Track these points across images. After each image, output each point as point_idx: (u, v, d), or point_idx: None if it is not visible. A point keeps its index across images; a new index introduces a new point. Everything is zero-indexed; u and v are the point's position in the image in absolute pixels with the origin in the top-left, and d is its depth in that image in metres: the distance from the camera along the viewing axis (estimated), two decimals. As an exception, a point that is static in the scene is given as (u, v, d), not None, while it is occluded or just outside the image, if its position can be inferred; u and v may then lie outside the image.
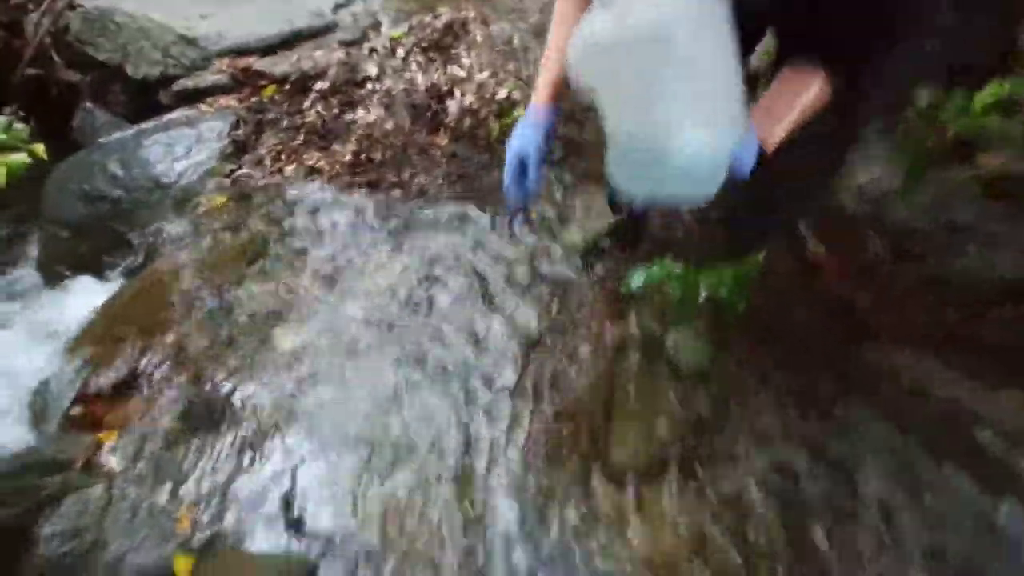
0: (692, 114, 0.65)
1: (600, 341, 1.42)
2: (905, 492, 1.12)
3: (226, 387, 1.29)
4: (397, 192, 1.79)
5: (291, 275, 1.54)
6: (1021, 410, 1.20)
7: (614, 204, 1.62)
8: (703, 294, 1.23)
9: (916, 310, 1.49)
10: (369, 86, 1.96)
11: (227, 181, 1.84)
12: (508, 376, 1.33)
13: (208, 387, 1.28)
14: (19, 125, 1.51)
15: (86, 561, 0.97)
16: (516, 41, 2.33)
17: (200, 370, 1.33)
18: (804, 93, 0.74)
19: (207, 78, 2.27)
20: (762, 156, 0.74)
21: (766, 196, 1.13)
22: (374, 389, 1.29)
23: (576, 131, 2.08)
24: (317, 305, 1.47)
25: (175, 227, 1.70)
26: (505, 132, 1.92)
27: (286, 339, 1.39)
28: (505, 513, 1.07)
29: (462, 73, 1.84)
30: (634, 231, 1.66)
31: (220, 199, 1.78)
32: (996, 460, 1.11)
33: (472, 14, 2.21)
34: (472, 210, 1.76)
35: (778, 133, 0.75)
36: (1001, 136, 1.47)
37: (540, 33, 2.74)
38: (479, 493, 1.09)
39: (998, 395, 1.25)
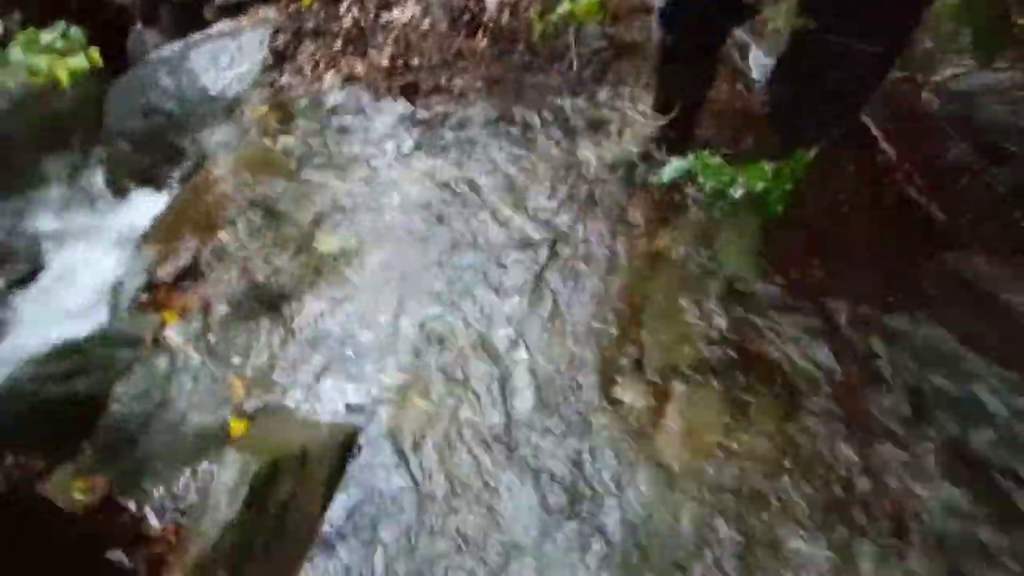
0: None
1: (639, 244, 1.37)
2: (971, 415, 1.03)
3: (273, 281, 1.36)
4: (436, 96, 1.74)
5: (333, 177, 1.57)
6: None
7: (664, 103, 1.51)
8: (739, 189, 1.12)
9: (998, 221, 1.34)
10: (405, -12, 1.88)
11: (269, 91, 1.85)
12: (535, 267, 1.31)
13: (258, 279, 1.36)
14: (75, 30, 1.56)
15: (153, 418, 1.08)
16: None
17: (249, 265, 1.40)
18: None
19: (247, -11, 2.25)
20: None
21: (819, 76, 1.01)
22: (411, 272, 1.31)
23: (623, 32, 1.93)
24: (358, 204, 1.49)
25: (223, 136, 1.75)
26: (545, 30, 1.81)
27: (329, 240, 1.43)
28: (525, 389, 1.08)
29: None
30: (684, 132, 1.55)
31: (263, 108, 1.80)
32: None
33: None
34: (514, 111, 1.70)
35: None
36: None
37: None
38: (504, 365, 1.11)
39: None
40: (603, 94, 1.74)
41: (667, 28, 1.24)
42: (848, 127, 1.26)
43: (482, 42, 1.81)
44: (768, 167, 1.12)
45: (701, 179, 1.10)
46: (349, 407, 1.08)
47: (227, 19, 2.16)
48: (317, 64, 1.87)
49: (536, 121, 1.67)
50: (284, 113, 1.78)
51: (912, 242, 1.33)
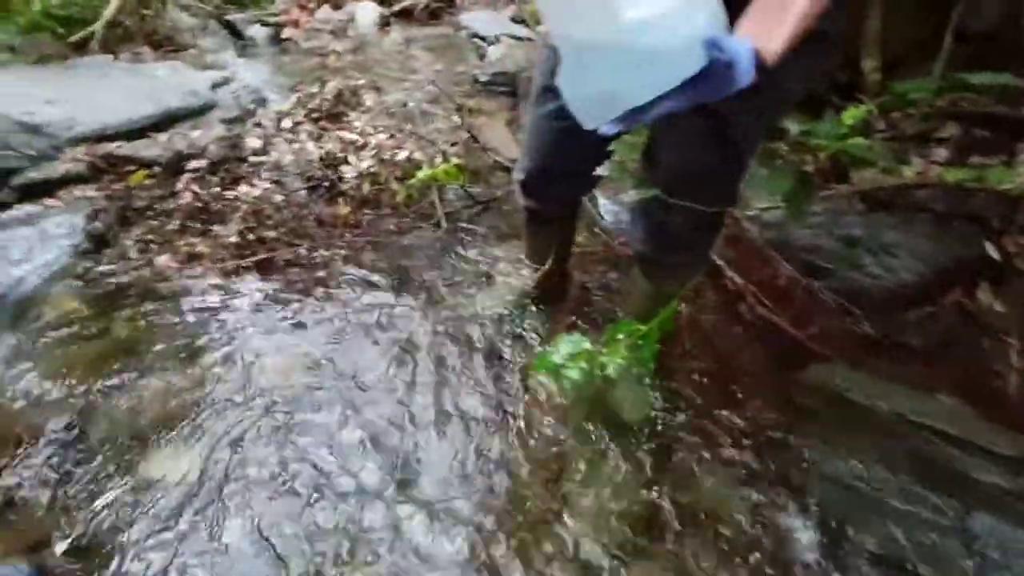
0: None
1: (539, 409, 1.29)
2: (866, 512, 1.06)
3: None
4: (295, 270, 1.59)
5: (163, 382, 1.27)
6: (956, 412, 1.22)
7: (538, 257, 1.54)
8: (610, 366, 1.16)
9: (836, 323, 1.53)
10: (255, 160, 1.79)
11: (80, 282, 1.54)
12: (441, 458, 1.15)
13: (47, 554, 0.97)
14: None
15: None
16: (411, 104, 2.29)
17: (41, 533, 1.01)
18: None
19: (58, 168, 1.97)
20: (762, 69, 0.64)
21: (668, 233, 1.10)
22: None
23: (483, 189, 2.03)
24: (196, 415, 1.20)
25: (11, 345, 1.37)
26: (410, 195, 1.82)
27: (156, 466, 1.11)
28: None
29: (357, 138, 1.74)
30: (559, 280, 1.58)
31: (71, 304, 1.47)
32: (958, 474, 1.09)
33: (363, 81, 2.14)
34: (381, 279, 1.61)
35: (777, 41, 0.65)
36: (866, 154, 1.61)
37: (435, 100, 2.74)
38: None
39: (934, 399, 1.26)
40: (474, 250, 1.75)
41: (528, 197, 1.30)
42: (703, 269, 1.37)
43: (344, 208, 1.75)
44: (635, 334, 1.17)
45: (571, 373, 1.09)
46: None
47: (30, 202, 1.84)
48: (147, 245, 1.63)
49: (411, 284, 1.59)
50: (99, 307, 1.47)
51: (780, 358, 1.44)
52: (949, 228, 1.53)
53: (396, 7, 4.69)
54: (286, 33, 3.74)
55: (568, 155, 1.14)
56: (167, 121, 2.25)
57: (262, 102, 2.54)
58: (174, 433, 1.18)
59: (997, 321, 1.41)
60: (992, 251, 1.48)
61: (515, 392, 1.32)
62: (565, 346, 1.21)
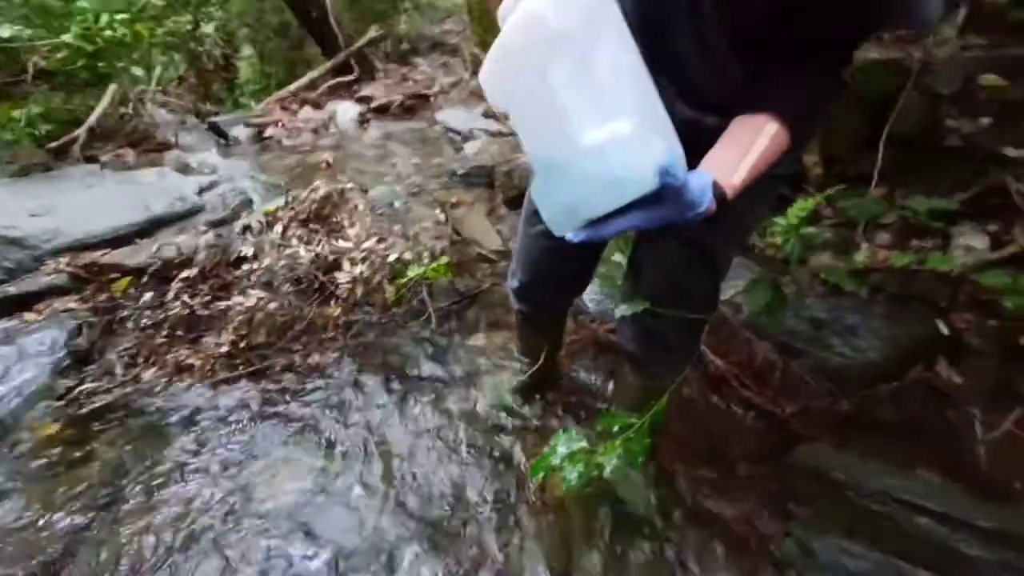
0: (591, 101, 0.61)
1: (539, 504, 1.29)
2: None
3: None
4: (289, 376, 1.59)
5: (144, 521, 1.21)
6: (935, 487, 1.28)
7: (531, 353, 1.60)
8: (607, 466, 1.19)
9: (815, 402, 1.61)
10: (245, 267, 1.83)
11: (61, 402, 1.49)
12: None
13: None
14: None
15: None
16: (397, 204, 2.41)
17: None
18: (759, 138, 0.72)
19: (38, 280, 1.96)
20: (723, 200, 0.70)
21: (657, 336, 1.18)
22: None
23: (470, 283, 2.11)
24: (194, 549, 1.15)
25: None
26: (401, 294, 1.88)
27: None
28: None
29: (348, 244, 1.81)
30: (549, 372, 1.63)
31: (50, 428, 1.42)
32: (943, 548, 1.13)
33: (349, 184, 2.26)
34: (376, 382, 1.62)
35: (738, 176, 0.71)
36: (817, 241, 1.77)
37: (417, 193, 2.89)
38: None
39: (914, 475, 1.33)
40: (465, 344, 1.80)
41: (522, 303, 1.37)
42: (689, 364, 1.45)
43: (336, 310, 1.78)
44: (627, 428, 1.21)
45: (570, 472, 1.11)
46: None
47: (7, 318, 1.81)
48: (134, 360, 1.61)
49: (406, 383, 1.61)
50: (83, 430, 1.42)
51: (767, 440, 1.50)
52: (903, 308, 1.67)
53: (374, 104, 5.01)
54: (268, 132, 3.92)
55: (557, 270, 1.23)
56: (153, 227, 2.29)
57: (249, 204, 2.62)
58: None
59: (958, 394, 1.52)
60: (943, 328, 1.61)
61: (513, 489, 1.32)
62: (562, 446, 1.22)
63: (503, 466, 1.39)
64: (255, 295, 1.65)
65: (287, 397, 1.54)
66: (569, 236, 0.72)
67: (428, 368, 1.70)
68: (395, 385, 1.62)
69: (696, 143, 0.73)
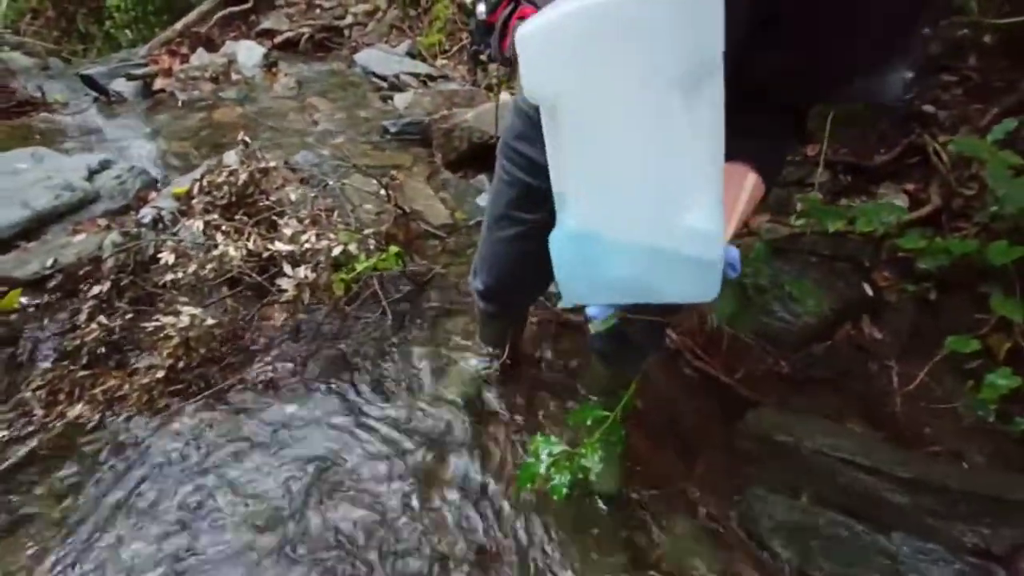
0: (701, 159, 0.49)
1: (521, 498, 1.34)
2: (815, 549, 1.25)
3: None
4: (236, 397, 1.49)
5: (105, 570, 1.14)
6: (864, 441, 1.45)
7: (495, 343, 1.59)
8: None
9: (760, 366, 1.74)
10: (169, 276, 1.63)
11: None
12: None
13: None
14: None
15: None
16: (331, 183, 2.20)
17: None
18: (741, 195, 0.71)
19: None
20: None
21: (628, 339, 1.21)
22: None
23: (420, 267, 2.02)
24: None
25: None
26: (351, 290, 1.77)
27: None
28: None
29: (284, 246, 1.64)
30: (514, 360, 1.64)
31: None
32: (873, 499, 1.31)
33: (272, 163, 2.02)
34: (332, 388, 1.56)
35: (728, 232, 0.70)
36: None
37: (348, 159, 2.65)
38: None
39: (845, 429, 1.50)
40: (423, 335, 1.75)
41: (488, 303, 1.33)
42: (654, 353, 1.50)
43: (281, 315, 1.66)
44: (602, 420, 1.26)
45: (558, 481, 1.15)
46: None
47: None
48: (54, 398, 1.43)
49: (367, 385, 1.56)
50: (8, 485, 1.27)
51: (721, 408, 1.62)
52: (834, 270, 1.80)
53: (278, 39, 4.42)
54: (159, 84, 3.36)
55: (524, 274, 1.19)
56: (38, 226, 1.96)
57: (153, 184, 2.29)
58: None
59: (879, 348, 1.70)
60: (868, 290, 1.77)
61: (492, 482, 1.36)
62: (543, 452, 1.25)
63: (481, 460, 1.41)
64: (187, 312, 1.48)
65: (237, 419, 1.45)
66: (592, 312, 0.67)
67: (390, 368, 1.65)
68: (353, 391, 1.56)
69: None
